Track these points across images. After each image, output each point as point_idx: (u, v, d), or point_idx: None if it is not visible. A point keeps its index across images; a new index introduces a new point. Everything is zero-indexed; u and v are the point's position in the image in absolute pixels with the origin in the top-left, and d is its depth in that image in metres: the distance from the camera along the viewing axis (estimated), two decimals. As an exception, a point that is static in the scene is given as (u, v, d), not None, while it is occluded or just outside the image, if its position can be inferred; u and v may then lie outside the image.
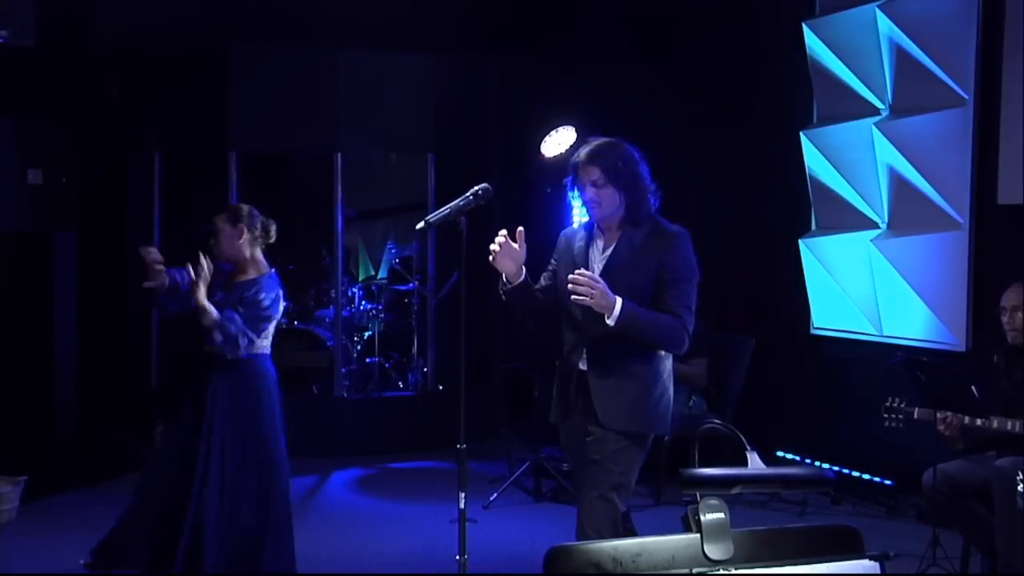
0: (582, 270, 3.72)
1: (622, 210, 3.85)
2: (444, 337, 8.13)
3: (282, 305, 4.77)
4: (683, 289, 3.81)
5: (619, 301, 3.67)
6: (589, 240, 3.95)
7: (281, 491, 4.68)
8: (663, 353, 3.92)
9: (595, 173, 3.81)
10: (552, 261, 4.07)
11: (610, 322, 3.68)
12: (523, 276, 3.83)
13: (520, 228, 3.79)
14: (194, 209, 8.33)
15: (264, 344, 4.70)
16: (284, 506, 4.69)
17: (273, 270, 4.80)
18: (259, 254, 4.79)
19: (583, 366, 3.88)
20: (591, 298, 3.64)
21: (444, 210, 3.68)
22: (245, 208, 4.80)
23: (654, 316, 3.76)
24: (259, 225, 4.78)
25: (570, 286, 3.65)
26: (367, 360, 8.23)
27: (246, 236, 4.72)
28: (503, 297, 3.89)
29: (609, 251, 3.88)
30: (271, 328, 4.71)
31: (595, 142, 3.90)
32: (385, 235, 8.73)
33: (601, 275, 3.76)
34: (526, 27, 8.30)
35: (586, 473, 3.88)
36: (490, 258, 3.78)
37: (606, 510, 3.79)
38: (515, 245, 3.78)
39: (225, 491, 4.56)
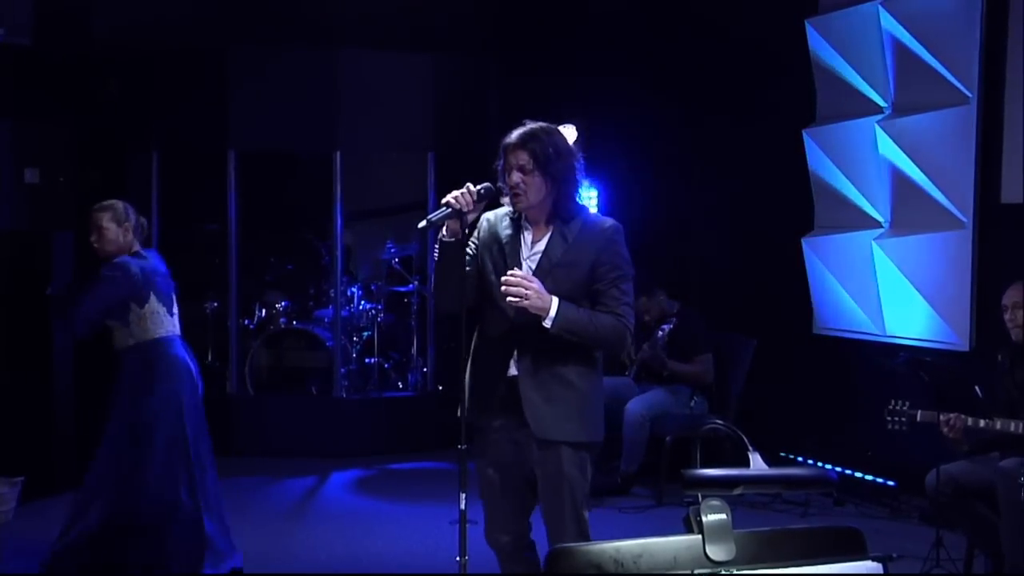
0: (515, 270, 3.48)
1: (549, 202, 3.56)
2: (444, 337, 8.11)
3: (137, 279, 4.70)
4: (621, 286, 3.54)
5: (555, 301, 3.42)
6: (516, 231, 3.63)
7: (154, 486, 4.68)
8: (599, 354, 3.66)
9: (523, 157, 3.50)
10: (471, 243, 3.70)
11: (547, 324, 3.42)
12: (463, 235, 3.56)
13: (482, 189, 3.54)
14: (193, 209, 8.35)
15: (151, 326, 4.74)
16: (156, 500, 4.68)
17: (152, 251, 4.93)
18: (137, 244, 4.86)
19: (514, 371, 3.57)
20: (525, 299, 3.40)
21: (445, 209, 3.52)
22: (121, 205, 4.86)
23: (593, 316, 3.50)
24: (135, 218, 4.87)
25: (503, 288, 3.43)
26: (366, 360, 8.20)
27: (129, 231, 4.82)
28: (436, 255, 3.62)
29: (540, 246, 3.58)
30: (153, 307, 4.73)
31: (530, 125, 3.58)
32: (384, 234, 8.71)
33: (534, 273, 3.51)
34: (526, 27, 8.28)
35: (544, 498, 3.61)
36: (450, 199, 3.51)
37: (579, 532, 3.54)
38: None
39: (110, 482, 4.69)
